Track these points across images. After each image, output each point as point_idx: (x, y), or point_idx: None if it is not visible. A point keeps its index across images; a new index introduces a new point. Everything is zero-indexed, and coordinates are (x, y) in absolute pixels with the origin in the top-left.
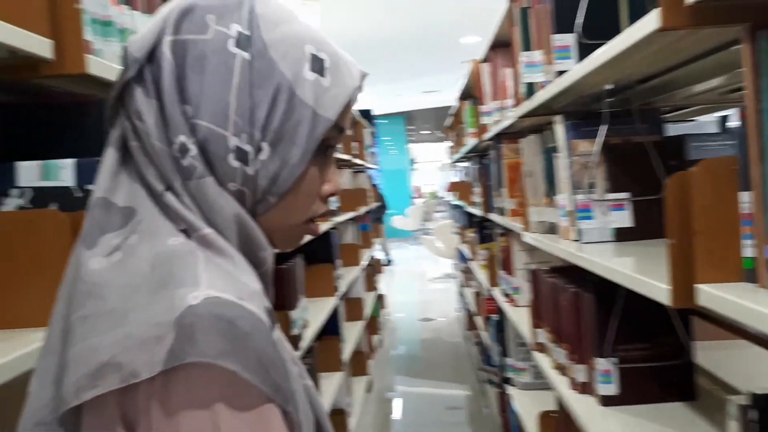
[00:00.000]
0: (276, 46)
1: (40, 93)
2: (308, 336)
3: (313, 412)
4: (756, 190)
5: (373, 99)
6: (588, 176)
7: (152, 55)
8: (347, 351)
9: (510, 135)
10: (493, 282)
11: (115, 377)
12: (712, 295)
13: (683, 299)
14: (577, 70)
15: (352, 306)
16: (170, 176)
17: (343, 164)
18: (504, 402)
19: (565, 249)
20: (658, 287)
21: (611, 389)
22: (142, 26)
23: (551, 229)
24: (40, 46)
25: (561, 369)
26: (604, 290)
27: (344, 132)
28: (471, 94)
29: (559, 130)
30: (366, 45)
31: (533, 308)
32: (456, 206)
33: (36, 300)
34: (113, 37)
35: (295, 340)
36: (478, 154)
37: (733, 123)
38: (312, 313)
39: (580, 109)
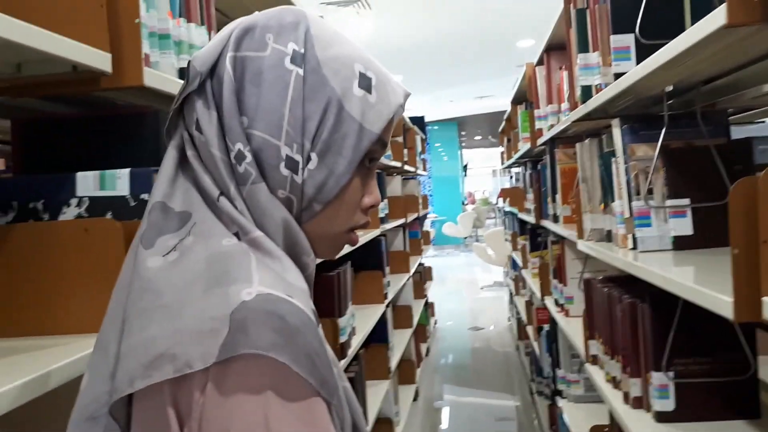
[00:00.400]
0: (328, 64)
1: (99, 105)
2: (355, 343)
3: (350, 414)
4: None
5: (425, 105)
6: (646, 182)
7: (213, 70)
8: (395, 359)
9: (565, 140)
10: (545, 291)
11: (169, 368)
12: None
13: (748, 313)
14: (636, 71)
15: (401, 313)
16: (225, 182)
17: (393, 170)
18: (554, 415)
19: (620, 258)
20: (720, 299)
21: (667, 405)
22: (198, 38)
23: (607, 236)
24: (100, 60)
25: (614, 382)
26: (662, 301)
27: (386, 146)
28: (525, 98)
29: (617, 133)
30: (419, 51)
31: (587, 319)
32: (508, 213)
33: (91, 306)
34: (170, 50)
35: (342, 348)
36: (531, 159)
37: None
38: (360, 321)
39: (638, 113)
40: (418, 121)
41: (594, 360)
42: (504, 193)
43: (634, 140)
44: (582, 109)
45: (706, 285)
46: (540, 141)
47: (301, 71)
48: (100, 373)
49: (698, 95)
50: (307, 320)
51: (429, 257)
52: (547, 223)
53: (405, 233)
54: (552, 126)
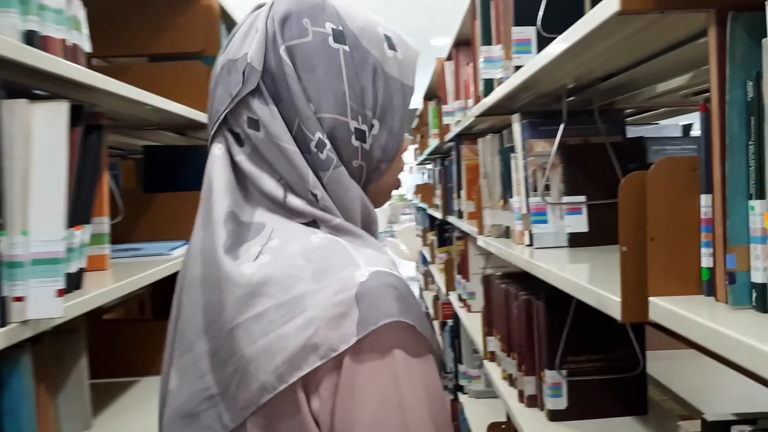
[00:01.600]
0: (363, 35)
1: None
2: None
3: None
4: (717, 192)
5: None
6: (544, 178)
7: (264, 66)
8: None
9: (471, 136)
10: (450, 286)
11: (314, 356)
12: (665, 310)
13: (635, 313)
14: (535, 62)
15: None
16: (302, 174)
17: None
18: (456, 410)
19: (517, 254)
20: (608, 299)
21: (560, 403)
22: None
23: (506, 233)
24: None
25: (510, 380)
26: (556, 298)
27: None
28: (435, 94)
29: (516, 128)
30: None
31: (485, 315)
32: (419, 208)
33: None
34: (11, 8)
35: None
36: (440, 155)
37: (697, 131)
38: None
39: (539, 110)
40: None
41: (492, 357)
42: (417, 190)
43: (533, 136)
44: (484, 104)
45: (597, 284)
46: (448, 137)
47: (346, 47)
48: (191, 373)
49: (596, 93)
50: (408, 287)
51: None
52: (453, 219)
53: None
54: (458, 122)
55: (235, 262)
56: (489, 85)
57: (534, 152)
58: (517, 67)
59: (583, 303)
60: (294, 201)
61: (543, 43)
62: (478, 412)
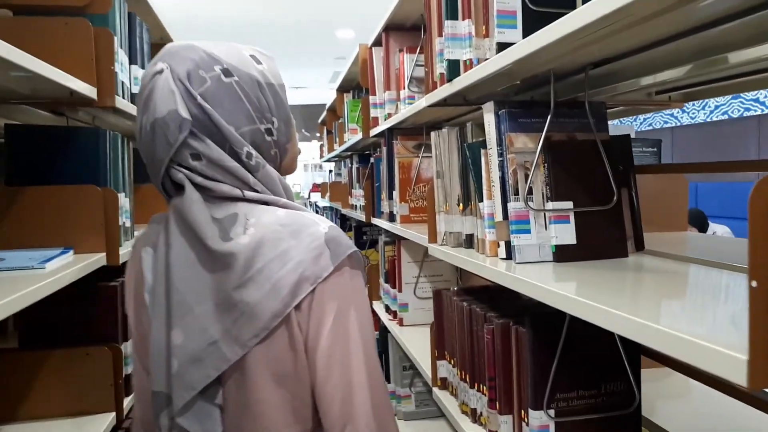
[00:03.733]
0: (239, 64)
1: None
2: None
3: None
4: None
5: None
6: (526, 180)
7: (190, 114)
8: None
9: (405, 131)
10: (373, 295)
11: (307, 285)
12: None
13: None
14: (538, 38)
15: None
16: (246, 179)
17: None
18: None
19: (497, 270)
20: (723, 356)
21: None
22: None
23: (467, 241)
24: (88, 90)
25: (474, 416)
26: (544, 324)
27: None
28: (353, 85)
29: (490, 120)
30: (232, 30)
31: (436, 336)
32: (327, 208)
33: None
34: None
35: (128, 381)
36: (357, 152)
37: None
38: None
39: (503, 99)
40: None
41: (443, 384)
42: (321, 188)
43: (513, 128)
44: (446, 89)
45: (664, 325)
46: (375, 131)
47: (235, 78)
48: (195, 328)
49: (586, 80)
50: None
51: None
52: (381, 222)
53: None
54: (390, 115)
55: (233, 241)
56: (454, 68)
57: (514, 148)
58: (501, 45)
59: (572, 329)
60: (250, 194)
61: (530, 17)
62: None
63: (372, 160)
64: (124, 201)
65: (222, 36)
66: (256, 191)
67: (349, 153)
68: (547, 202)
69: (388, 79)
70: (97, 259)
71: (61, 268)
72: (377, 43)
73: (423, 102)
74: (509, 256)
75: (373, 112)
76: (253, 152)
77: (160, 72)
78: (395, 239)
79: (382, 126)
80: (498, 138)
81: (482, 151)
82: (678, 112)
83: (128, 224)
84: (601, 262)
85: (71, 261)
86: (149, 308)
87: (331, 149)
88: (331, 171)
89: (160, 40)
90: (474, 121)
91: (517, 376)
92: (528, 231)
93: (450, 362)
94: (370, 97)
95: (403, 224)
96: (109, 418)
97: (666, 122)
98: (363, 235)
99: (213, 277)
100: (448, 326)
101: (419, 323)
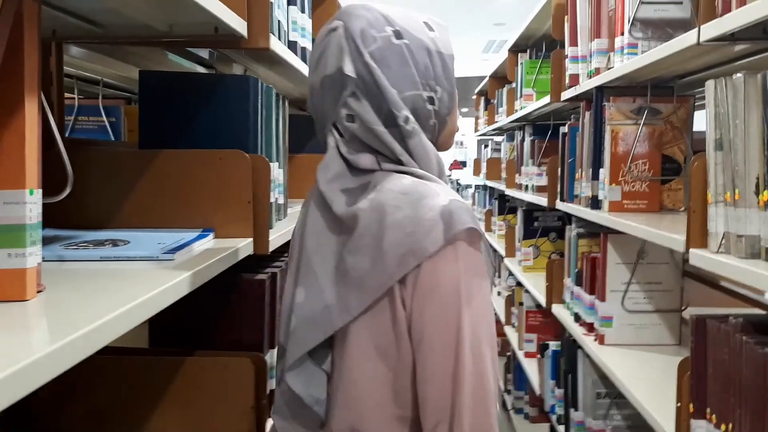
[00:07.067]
0: (411, 28)
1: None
2: None
3: None
4: None
5: None
6: None
7: (356, 73)
8: None
9: (620, 90)
10: (554, 297)
11: (413, 259)
12: None
13: None
14: None
15: None
16: (392, 147)
17: None
18: None
19: None
20: None
21: None
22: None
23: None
24: (238, 24)
25: None
26: None
27: None
28: (530, 42)
29: None
30: None
31: (694, 384)
32: (480, 187)
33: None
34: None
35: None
36: (530, 122)
37: None
38: None
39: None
40: None
41: None
42: (475, 165)
43: None
44: (740, 16)
45: None
46: (569, 94)
47: (405, 41)
48: (314, 289)
49: None
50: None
51: None
52: (574, 208)
53: None
54: (598, 70)
55: (354, 207)
56: None
57: None
58: None
59: None
60: (387, 166)
61: None
62: None
63: (565, 129)
64: (277, 173)
65: None
66: (400, 162)
67: (515, 125)
68: None
69: (599, 24)
70: (242, 247)
71: (193, 261)
72: None
73: (691, 38)
74: None
75: (572, 68)
76: (411, 117)
77: (335, 29)
78: (599, 232)
79: (587, 84)
80: None
81: None
82: None
83: (281, 201)
84: None
85: (210, 248)
86: (289, 265)
87: (491, 122)
88: (486, 146)
89: None
90: (731, 72)
91: None
92: None
93: (718, 427)
94: (567, 49)
95: (613, 213)
96: None
97: None
98: (534, 221)
99: (336, 240)
100: (720, 375)
101: (626, 343)
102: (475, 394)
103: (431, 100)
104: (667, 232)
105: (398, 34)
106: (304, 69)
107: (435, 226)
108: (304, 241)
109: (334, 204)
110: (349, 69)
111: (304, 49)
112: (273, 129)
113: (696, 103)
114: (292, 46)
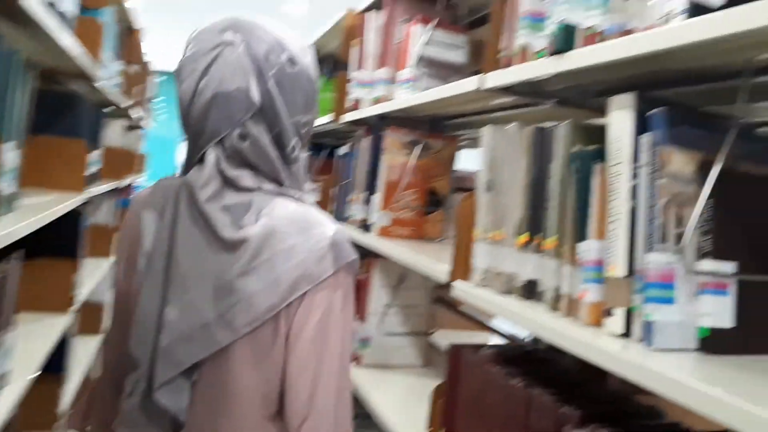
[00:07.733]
0: (300, 54)
1: None
2: (19, 382)
3: None
4: None
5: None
6: (677, 221)
7: (258, 96)
8: (68, 396)
9: (399, 121)
10: None
11: (305, 284)
12: None
13: None
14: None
15: (90, 315)
16: (277, 171)
17: (118, 110)
18: None
19: (630, 363)
20: None
21: None
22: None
23: (526, 290)
24: None
25: None
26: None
27: None
28: (329, 58)
29: (624, 121)
30: None
31: (444, 406)
32: None
33: None
34: None
35: None
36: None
37: None
38: (28, 340)
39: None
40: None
41: None
42: None
43: (673, 140)
44: (541, 66)
45: None
46: (352, 116)
47: (297, 67)
48: (190, 308)
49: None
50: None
51: None
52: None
53: (112, 201)
54: (379, 99)
55: (244, 229)
56: (568, 37)
57: (670, 170)
58: (697, 8)
59: None
60: (267, 186)
61: None
62: None
63: (346, 149)
64: (9, 155)
65: None
66: (280, 184)
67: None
68: (702, 259)
69: (386, 53)
70: None
71: None
72: (373, 7)
73: (473, 83)
74: (628, 333)
75: (356, 92)
76: (297, 145)
77: (231, 44)
78: (365, 254)
79: (370, 110)
80: (635, 150)
81: (596, 166)
82: None
83: (10, 189)
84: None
85: None
86: (143, 274)
87: None
88: None
89: None
90: (503, 120)
91: None
92: (671, 300)
93: None
94: (354, 74)
95: (381, 236)
96: None
97: None
98: None
99: (217, 260)
100: (470, 400)
101: (381, 365)
102: (341, 399)
103: (308, 123)
104: (433, 262)
105: (292, 61)
106: (66, 37)
107: (325, 255)
108: (175, 259)
109: (218, 225)
110: (254, 93)
111: (63, 14)
112: (8, 100)
113: (458, 144)
114: (52, 6)
